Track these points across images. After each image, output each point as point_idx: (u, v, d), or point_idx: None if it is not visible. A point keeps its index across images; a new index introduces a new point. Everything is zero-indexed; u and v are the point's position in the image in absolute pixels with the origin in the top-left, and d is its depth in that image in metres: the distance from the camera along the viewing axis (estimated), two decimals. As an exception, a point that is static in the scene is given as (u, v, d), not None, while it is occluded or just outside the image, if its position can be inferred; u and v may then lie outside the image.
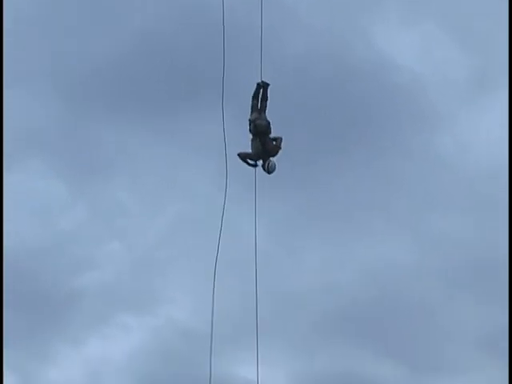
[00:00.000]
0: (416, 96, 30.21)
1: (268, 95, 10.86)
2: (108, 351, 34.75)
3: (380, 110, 29.17)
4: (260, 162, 10.84)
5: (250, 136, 10.78)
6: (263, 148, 10.38)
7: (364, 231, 32.72)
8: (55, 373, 34.46)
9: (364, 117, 28.48)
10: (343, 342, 33.43)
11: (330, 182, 28.74)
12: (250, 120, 10.62)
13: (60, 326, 35.13)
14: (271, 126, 10.75)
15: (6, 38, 17.92)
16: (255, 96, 10.91)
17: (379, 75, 28.57)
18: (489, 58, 30.74)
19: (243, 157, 10.73)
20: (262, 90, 11.02)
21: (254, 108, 10.83)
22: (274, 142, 10.72)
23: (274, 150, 10.69)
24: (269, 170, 10.69)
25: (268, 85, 10.97)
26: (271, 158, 10.72)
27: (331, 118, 26.49)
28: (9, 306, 25.40)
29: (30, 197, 33.46)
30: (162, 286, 34.39)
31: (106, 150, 31.66)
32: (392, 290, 33.33)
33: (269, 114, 11.36)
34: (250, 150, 10.87)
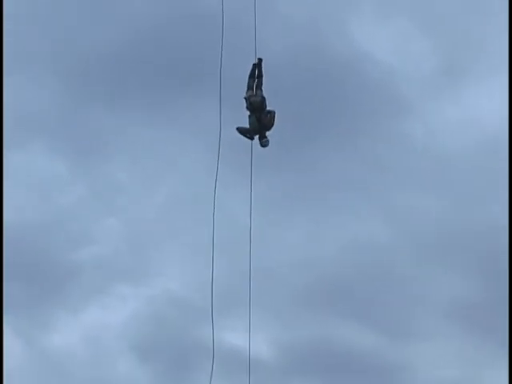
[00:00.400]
0: (389, 86, 31.55)
1: (263, 72, 11.07)
2: (106, 319, 36.47)
3: (356, 98, 30.41)
4: (257, 136, 11.03)
5: (248, 113, 10.92)
6: (259, 123, 10.67)
7: (342, 210, 34.39)
8: (57, 338, 36.16)
9: (342, 105, 29.68)
10: (323, 311, 35.18)
11: (312, 165, 30.25)
12: (245, 98, 10.85)
13: (61, 296, 36.71)
14: (266, 101, 10.92)
15: (7, 23, 19.11)
16: (251, 75, 11.11)
17: (355, 67, 29.66)
18: (455, 53, 32.48)
19: (241, 131, 10.98)
20: (256, 67, 11.19)
21: (249, 86, 10.96)
22: (269, 115, 10.88)
23: (269, 124, 10.87)
24: (262, 145, 10.95)
25: (260, 60, 11.12)
26: (266, 136, 10.93)
27: (312, 107, 27.51)
28: (13, 277, 27.07)
29: (30, 175, 34.73)
30: (157, 260, 35.97)
31: (106, 133, 32.78)
32: (368, 263, 35.01)
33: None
34: (248, 126, 11.19)
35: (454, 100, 34.03)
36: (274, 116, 11.00)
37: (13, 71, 32.22)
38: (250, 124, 11.05)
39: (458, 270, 36.18)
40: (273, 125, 11.05)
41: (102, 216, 35.86)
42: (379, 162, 32.32)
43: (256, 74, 11.14)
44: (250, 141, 11.18)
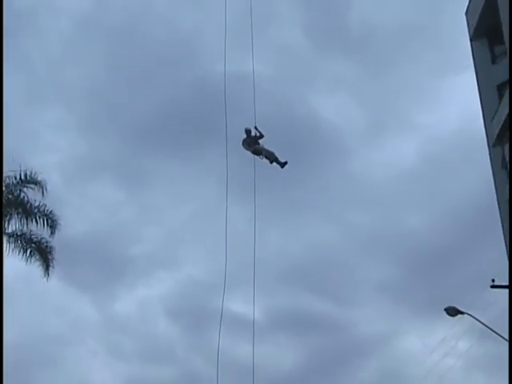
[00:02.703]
0: (336, 137, 41.30)
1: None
2: (150, 294, 47.43)
3: (314, 145, 38.90)
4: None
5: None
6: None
7: (307, 221, 44.25)
8: (118, 306, 46.88)
9: (305, 150, 38.14)
10: (295, 287, 44.77)
11: (286, 191, 39.54)
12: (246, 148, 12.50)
13: (121, 278, 46.77)
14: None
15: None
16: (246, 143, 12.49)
17: (313, 125, 38.47)
18: (380, 116, 42.74)
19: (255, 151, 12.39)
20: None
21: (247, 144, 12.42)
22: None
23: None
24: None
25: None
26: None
27: (285, 151, 36.11)
28: (90, 266, 37.71)
29: (101, 199, 44.86)
30: (183, 254, 46.43)
31: (150, 171, 42.64)
32: (324, 255, 44.90)
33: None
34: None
35: (379, 146, 44.25)
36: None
37: (92, 129, 42.83)
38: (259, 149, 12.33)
39: (384, 260, 46.40)
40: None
41: (147, 225, 46.69)
42: (331, 188, 41.44)
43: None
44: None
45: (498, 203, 17.53)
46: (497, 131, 17.34)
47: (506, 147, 17.22)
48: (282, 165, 12.44)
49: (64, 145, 54.35)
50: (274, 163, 12.47)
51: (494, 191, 17.90)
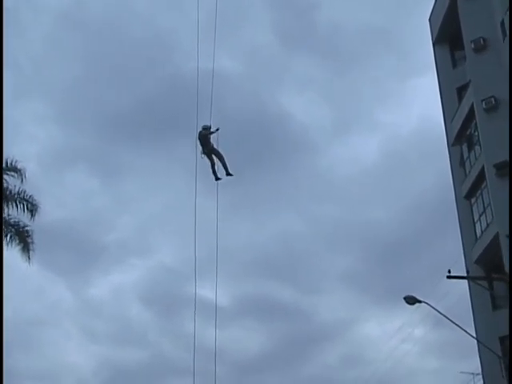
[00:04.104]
0: (304, 134, 42.56)
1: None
2: (123, 279, 48.17)
3: (283, 142, 40.21)
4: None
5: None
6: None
7: (274, 213, 45.46)
8: (93, 291, 47.46)
9: (274, 146, 39.64)
10: (261, 275, 45.92)
11: (257, 184, 40.50)
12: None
13: (95, 264, 47.61)
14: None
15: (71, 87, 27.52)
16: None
17: (282, 122, 39.98)
18: (345, 114, 43.48)
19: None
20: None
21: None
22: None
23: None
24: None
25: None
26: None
27: (256, 147, 36.41)
28: (65, 251, 38.31)
29: (76, 188, 45.29)
30: (155, 242, 47.38)
31: (123, 162, 43.27)
32: (290, 246, 45.97)
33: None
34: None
35: (344, 143, 45.41)
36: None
37: (69, 122, 43.09)
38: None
39: (347, 250, 47.62)
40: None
41: (121, 214, 47.31)
42: (299, 183, 42.67)
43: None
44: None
45: (456, 198, 18.08)
46: (456, 131, 17.88)
47: (464, 146, 17.80)
48: (228, 173, 12.22)
49: (42, 136, 54.31)
50: (222, 168, 12.32)
51: (451, 187, 18.46)
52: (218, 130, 12.10)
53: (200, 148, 12.09)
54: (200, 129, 12.06)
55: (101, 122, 43.16)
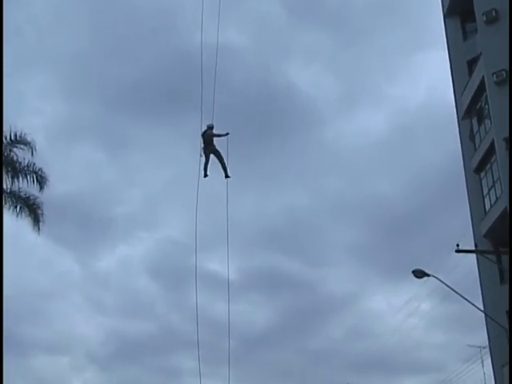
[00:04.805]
0: (311, 107, 42.27)
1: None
2: (130, 252, 48.35)
3: (291, 115, 40.15)
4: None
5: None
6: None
7: (282, 186, 45.43)
8: (101, 263, 47.75)
9: (282, 119, 39.46)
10: (268, 247, 46.05)
11: (265, 157, 40.37)
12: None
13: (103, 237, 47.79)
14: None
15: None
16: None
17: (290, 95, 39.67)
18: (352, 88, 43.01)
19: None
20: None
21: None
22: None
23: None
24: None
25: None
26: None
27: (263, 121, 36.33)
28: (72, 225, 38.38)
29: (82, 160, 45.36)
30: (162, 215, 47.37)
31: (130, 134, 43.17)
32: (297, 219, 46.01)
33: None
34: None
35: (351, 116, 45.10)
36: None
37: (75, 94, 42.66)
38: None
39: (354, 223, 47.60)
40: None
41: (128, 187, 47.29)
42: (305, 156, 42.59)
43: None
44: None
45: (465, 172, 17.89)
46: (466, 105, 17.64)
47: (474, 120, 17.55)
48: (226, 175, 12.17)
49: (48, 109, 54.10)
50: (222, 169, 12.22)
51: (460, 161, 18.29)
52: (227, 134, 11.92)
53: (202, 146, 11.92)
54: (205, 128, 11.90)
55: (106, 94, 42.81)
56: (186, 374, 52.64)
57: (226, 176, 12.09)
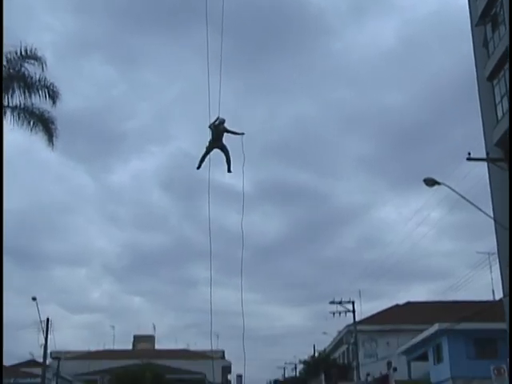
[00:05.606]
0: (320, 18, 41.58)
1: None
2: (143, 166, 49.14)
3: (300, 27, 39.96)
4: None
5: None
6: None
7: (290, 99, 45.62)
8: (114, 177, 48.65)
9: (290, 30, 39.23)
10: (278, 160, 46.87)
11: (273, 70, 40.38)
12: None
13: (115, 152, 48.50)
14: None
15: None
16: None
17: (299, 5, 39.23)
18: None
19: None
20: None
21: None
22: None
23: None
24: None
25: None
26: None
27: (272, 33, 36.49)
28: (84, 139, 39.22)
29: (92, 76, 45.18)
30: (174, 129, 47.77)
31: (140, 49, 42.98)
32: (306, 131, 46.61)
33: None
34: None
35: (360, 26, 44.49)
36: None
37: (82, 10, 42.14)
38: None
39: (364, 135, 47.95)
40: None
41: (138, 101, 47.25)
42: (314, 67, 42.57)
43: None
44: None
45: (478, 80, 17.59)
46: (480, 10, 17.14)
47: (488, 26, 17.09)
48: (229, 170, 11.72)
49: (57, 24, 53.28)
50: (225, 163, 11.56)
51: (471, 70, 17.98)
52: (243, 134, 11.39)
53: (210, 138, 11.18)
54: (215, 120, 11.14)
55: (115, 9, 42.24)
56: (201, 284, 54.29)
57: (229, 171, 11.72)
